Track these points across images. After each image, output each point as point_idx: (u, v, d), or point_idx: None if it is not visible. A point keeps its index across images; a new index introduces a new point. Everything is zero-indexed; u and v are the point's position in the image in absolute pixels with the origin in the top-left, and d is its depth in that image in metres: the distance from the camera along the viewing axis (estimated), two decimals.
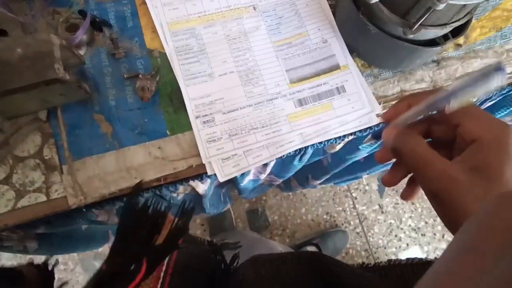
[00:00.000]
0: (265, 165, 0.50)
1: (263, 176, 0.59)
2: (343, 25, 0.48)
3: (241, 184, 0.59)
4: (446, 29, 0.40)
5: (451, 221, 0.23)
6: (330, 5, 0.50)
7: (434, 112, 0.25)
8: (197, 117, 0.43)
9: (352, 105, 0.46)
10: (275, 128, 0.44)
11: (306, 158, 0.52)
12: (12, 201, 0.38)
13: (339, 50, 0.48)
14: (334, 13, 0.49)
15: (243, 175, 0.52)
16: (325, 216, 1.40)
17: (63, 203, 0.39)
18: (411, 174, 0.27)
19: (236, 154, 0.42)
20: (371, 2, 0.33)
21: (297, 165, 0.56)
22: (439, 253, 1.41)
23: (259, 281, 0.32)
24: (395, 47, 0.42)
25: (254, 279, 0.33)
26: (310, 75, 0.47)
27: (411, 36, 0.39)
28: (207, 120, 0.43)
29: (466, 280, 0.13)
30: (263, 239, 0.76)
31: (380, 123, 0.46)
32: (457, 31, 0.42)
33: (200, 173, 0.45)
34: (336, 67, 0.47)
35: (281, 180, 0.71)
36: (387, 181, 0.27)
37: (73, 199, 0.39)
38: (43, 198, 0.39)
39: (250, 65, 0.46)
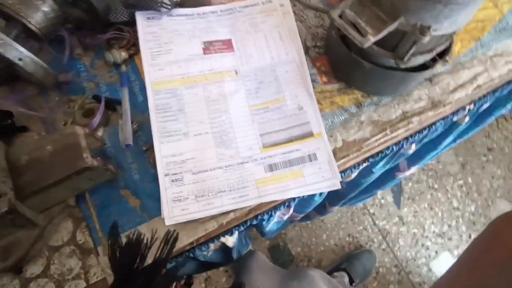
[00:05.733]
0: (288, 206, 0.51)
1: (286, 217, 0.59)
2: (337, 65, 0.51)
3: (266, 228, 0.59)
4: (433, 53, 0.43)
5: None
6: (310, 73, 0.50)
7: None
8: (166, 175, 0.43)
9: (322, 174, 0.45)
10: (242, 192, 0.43)
11: (325, 193, 0.53)
12: None
13: (313, 117, 0.48)
14: (326, 54, 0.53)
15: (268, 220, 0.53)
16: (347, 238, 1.38)
17: (103, 285, 0.39)
18: None
19: (200, 217, 0.41)
20: (365, 47, 0.36)
21: (318, 200, 0.57)
22: None
23: None
24: (390, 76, 0.45)
25: None
26: (284, 140, 0.47)
27: (403, 66, 0.42)
28: (175, 179, 0.43)
29: None
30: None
31: None
32: (443, 51, 0.46)
33: (230, 228, 0.45)
34: (310, 134, 0.47)
35: (302, 215, 0.71)
36: None
37: (112, 279, 0.39)
38: (82, 284, 0.39)
39: (226, 127, 0.47)
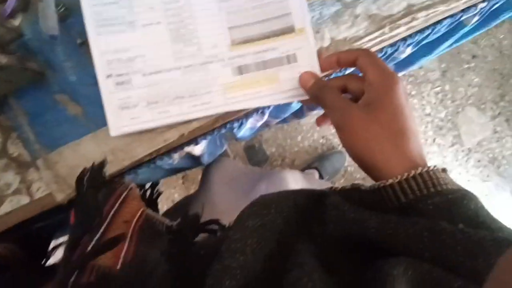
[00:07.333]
0: (262, 113, 0.46)
1: (260, 123, 0.55)
2: None
3: (238, 135, 0.55)
4: None
5: (349, 143, 0.31)
6: None
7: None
8: (108, 76, 0.35)
9: None
10: (205, 99, 0.36)
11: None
12: None
13: (297, 8, 0.38)
14: None
15: (240, 128, 0.48)
16: (321, 140, 1.41)
17: (51, 200, 0.35)
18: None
19: (154, 127, 0.36)
20: None
21: (295, 106, 0.52)
22: (431, 156, 1.47)
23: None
24: None
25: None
26: (258, 36, 0.37)
27: None
28: (121, 81, 0.35)
29: None
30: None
31: None
32: None
33: (195, 137, 0.41)
34: (290, 30, 0.38)
35: (278, 120, 0.67)
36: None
37: (60, 195, 0.35)
38: (26, 199, 0.35)
39: (184, 16, 0.36)
